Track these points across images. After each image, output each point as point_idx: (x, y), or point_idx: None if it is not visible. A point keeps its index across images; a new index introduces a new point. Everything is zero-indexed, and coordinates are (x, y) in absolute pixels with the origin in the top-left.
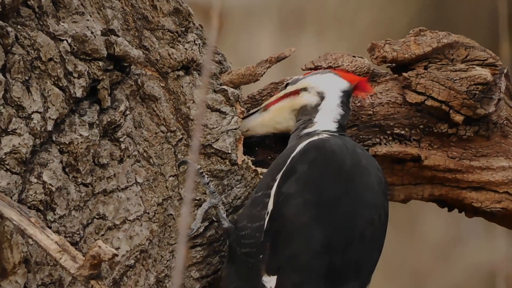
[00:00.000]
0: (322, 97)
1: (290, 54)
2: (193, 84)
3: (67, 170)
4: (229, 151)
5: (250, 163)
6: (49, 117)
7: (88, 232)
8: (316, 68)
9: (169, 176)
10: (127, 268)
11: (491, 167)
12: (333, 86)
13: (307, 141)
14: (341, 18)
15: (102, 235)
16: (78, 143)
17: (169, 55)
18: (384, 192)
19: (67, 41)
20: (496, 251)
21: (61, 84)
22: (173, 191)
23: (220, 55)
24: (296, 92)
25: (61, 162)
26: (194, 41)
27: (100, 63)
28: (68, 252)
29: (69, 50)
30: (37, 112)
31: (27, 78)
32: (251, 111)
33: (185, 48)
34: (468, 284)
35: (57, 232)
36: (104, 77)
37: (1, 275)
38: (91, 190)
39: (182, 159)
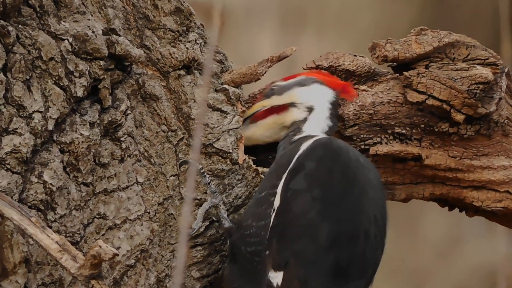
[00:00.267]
0: (310, 110)
1: (292, 53)
2: (194, 83)
3: (67, 169)
4: (230, 151)
5: (251, 163)
6: (50, 117)
7: (88, 231)
8: (317, 67)
9: (170, 176)
10: (128, 267)
11: (492, 166)
12: (321, 98)
13: (313, 139)
14: (342, 17)
15: (103, 234)
16: (79, 142)
17: (170, 54)
18: (382, 191)
19: (68, 40)
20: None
21: (62, 84)
22: (174, 190)
23: (221, 54)
24: (284, 108)
25: (62, 161)
26: (195, 40)
27: (101, 63)
28: (68, 252)
29: (70, 49)
30: (38, 111)
31: (28, 77)
32: None
33: (186, 48)
34: (468, 284)
35: (58, 231)
36: (105, 76)
37: (2, 275)
38: (92, 189)
39: (183, 159)
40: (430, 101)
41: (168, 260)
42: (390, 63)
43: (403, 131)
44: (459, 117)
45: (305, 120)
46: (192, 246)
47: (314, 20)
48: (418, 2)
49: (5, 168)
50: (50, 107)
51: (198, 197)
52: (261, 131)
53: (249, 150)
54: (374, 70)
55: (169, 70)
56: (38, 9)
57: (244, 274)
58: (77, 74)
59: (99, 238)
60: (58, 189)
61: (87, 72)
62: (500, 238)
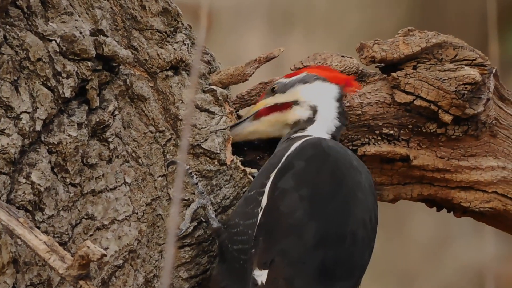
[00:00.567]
0: (315, 111)
1: (279, 54)
2: (182, 84)
3: (55, 170)
4: (218, 151)
5: (239, 163)
6: (38, 117)
7: (76, 232)
8: (305, 67)
9: (158, 176)
10: (116, 268)
11: (480, 166)
12: (325, 96)
13: (303, 139)
14: (329, 18)
15: (91, 235)
16: (66, 143)
17: (158, 55)
18: (374, 195)
19: (55, 41)
20: (485, 251)
21: (49, 84)
22: (162, 191)
23: (209, 55)
24: (287, 106)
25: (50, 162)
26: (183, 41)
27: (89, 63)
28: (56, 252)
29: (58, 50)
30: (25, 112)
31: (15, 78)
32: (241, 120)
33: (174, 48)
34: (457, 285)
35: (46, 232)
36: (93, 77)
37: None
38: (80, 190)
39: (171, 159)
40: (418, 102)
41: (156, 260)
42: (378, 64)
43: (391, 132)
44: (447, 118)
45: (310, 120)
46: (180, 247)
47: (302, 21)
48: (406, 2)
49: None
50: (38, 108)
51: (186, 198)
52: (264, 127)
53: (237, 151)
54: (361, 71)
55: (156, 71)
56: (25, 10)
57: (232, 273)
58: (64, 75)
59: (87, 239)
60: (46, 190)
61: (74, 73)
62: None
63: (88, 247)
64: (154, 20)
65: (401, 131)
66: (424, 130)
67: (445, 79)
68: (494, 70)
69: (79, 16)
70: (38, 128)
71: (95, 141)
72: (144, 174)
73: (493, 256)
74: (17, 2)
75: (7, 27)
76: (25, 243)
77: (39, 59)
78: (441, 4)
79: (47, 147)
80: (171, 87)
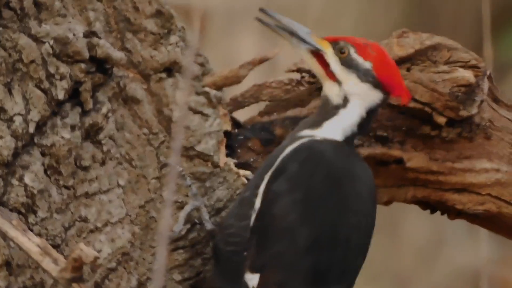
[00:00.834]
0: (345, 105)
1: (274, 56)
2: (175, 86)
3: (49, 172)
4: (212, 154)
5: (232, 165)
6: (31, 120)
7: (70, 234)
8: (298, 70)
9: (152, 179)
10: (109, 270)
11: (474, 169)
12: (362, 101)
13: (299, 142)
14: (323, 20)
15: (84, 237)
16: (60, 145)
17: (152, 57)
18: (373, 200)
19: (49, 43)
20: (479, 254)
21: (43, 86)
22: (155, 193)
23: (203, 57)
24: (334, 77)
25: (43, 164)
26: (177, 43)
27: (82, 65)
28: (49, 255)
29: (51, 52)
30: (19, 114)
31: (9, 80)
32: (304, 38)
33: (168, 50)
34: (451, 287)
35: (39, 234)
36: (86, 79)
37: None
38: (73, 192)
39: (164, 161)
40: (411, 104)
41: (149, 263)
42: None
43: (385, 134)
44: (441, 120)
45: (332, 112)
46: (173, 249)
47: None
48: (400, 4)
49: None
50: (31, 110)
51: (180, 200)
52: (310, 65)
53: (230, 153)
54: None
55: (150, 73)
56: (19, 12)
57: (225, 275)
58: (58, 77)
59: (80, 241)
60: (39, 192)
61: (68, 75)
62: (482, 241)
63: (82, 249)
64: (148, 22)
65: (395, 133)
66: (418, 132)
67: (439, 81)
68: (488, 72)
69: (73, 18)
70: (31, 130)
71: (89, 143)
72: (138, 177)
73: (487, 259)
74: (10, 4)
75: (0, 29)
76: (18, 245)
77: (32, 61)
78: (436, 5)
79: (40, 149)
80: (164, 89)
